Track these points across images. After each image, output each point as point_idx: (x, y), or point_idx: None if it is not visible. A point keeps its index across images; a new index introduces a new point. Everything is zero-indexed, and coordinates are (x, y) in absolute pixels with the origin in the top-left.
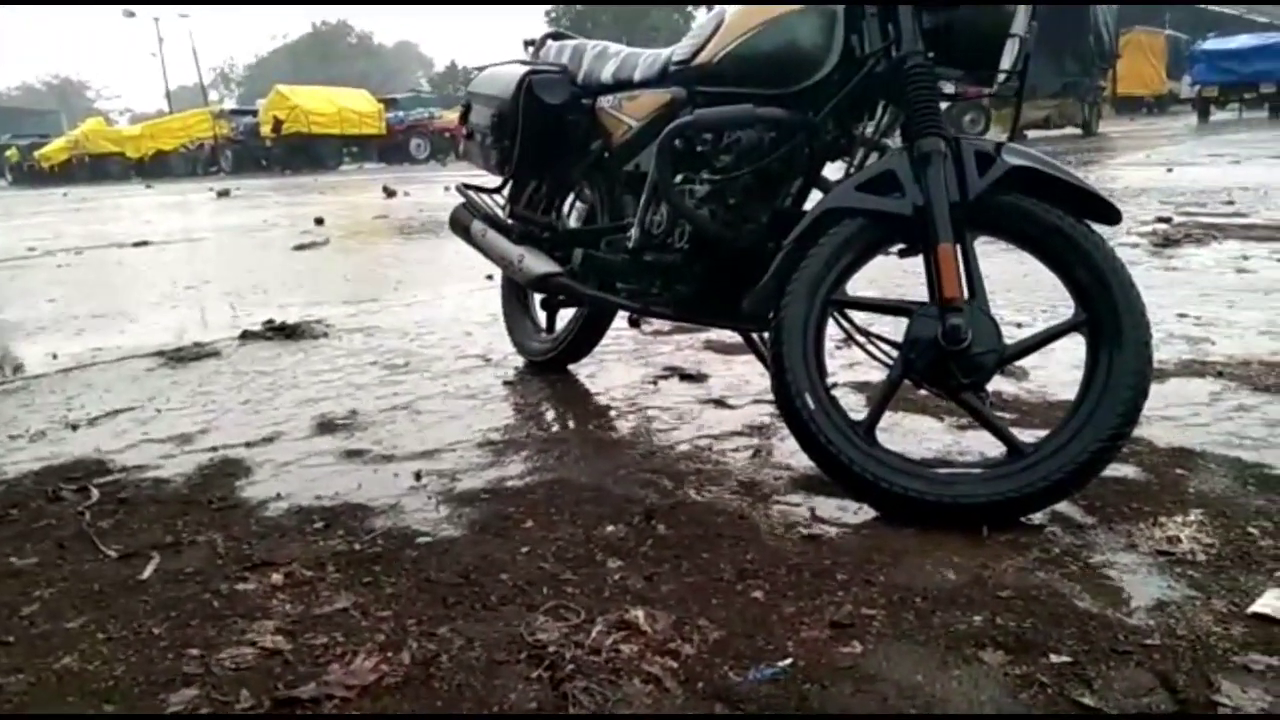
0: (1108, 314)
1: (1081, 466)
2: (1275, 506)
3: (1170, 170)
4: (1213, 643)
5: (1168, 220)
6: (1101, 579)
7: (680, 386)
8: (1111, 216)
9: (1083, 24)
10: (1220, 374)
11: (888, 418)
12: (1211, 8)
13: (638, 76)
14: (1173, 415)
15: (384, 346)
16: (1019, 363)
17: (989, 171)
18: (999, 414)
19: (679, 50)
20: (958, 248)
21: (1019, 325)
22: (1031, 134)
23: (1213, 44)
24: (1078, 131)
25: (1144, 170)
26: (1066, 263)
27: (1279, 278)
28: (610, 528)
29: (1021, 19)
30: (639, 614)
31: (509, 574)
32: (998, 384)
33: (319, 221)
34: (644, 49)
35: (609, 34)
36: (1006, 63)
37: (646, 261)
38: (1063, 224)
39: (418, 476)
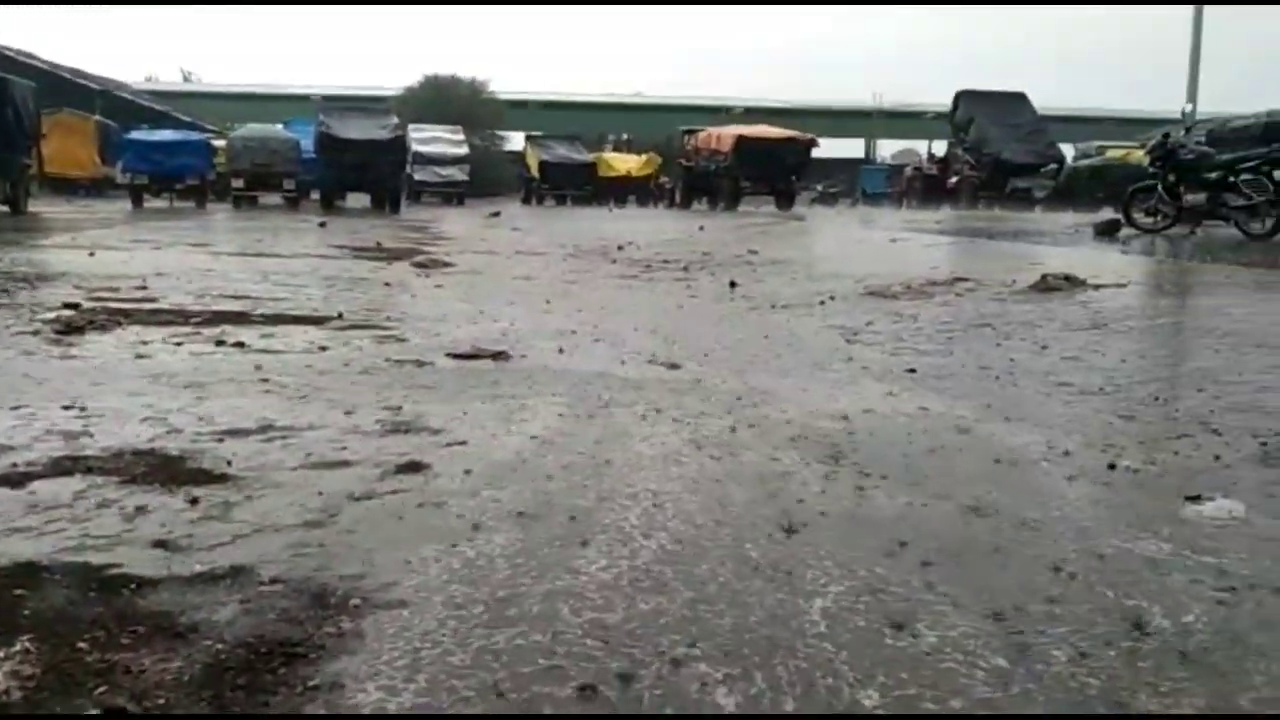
0: None
1: None
2: (111, 611)
3: (93, 255)
4: None
5: (76, 306)
6: None
7: None
8: None
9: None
10: (90, 469)
11: None
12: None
13: None
14: (27, 525)
15: None
16: None
17: None
18: None
19: None
20: None
21: None
22: None
23: (139, 135)
24: (5, 210)
25: (68, 253)
26: None
27: (171, 362)
28: None
29: None
30: None
31: None
32: None
33: None
34: None
35: None
36: None
37: None
38: None
39: None
